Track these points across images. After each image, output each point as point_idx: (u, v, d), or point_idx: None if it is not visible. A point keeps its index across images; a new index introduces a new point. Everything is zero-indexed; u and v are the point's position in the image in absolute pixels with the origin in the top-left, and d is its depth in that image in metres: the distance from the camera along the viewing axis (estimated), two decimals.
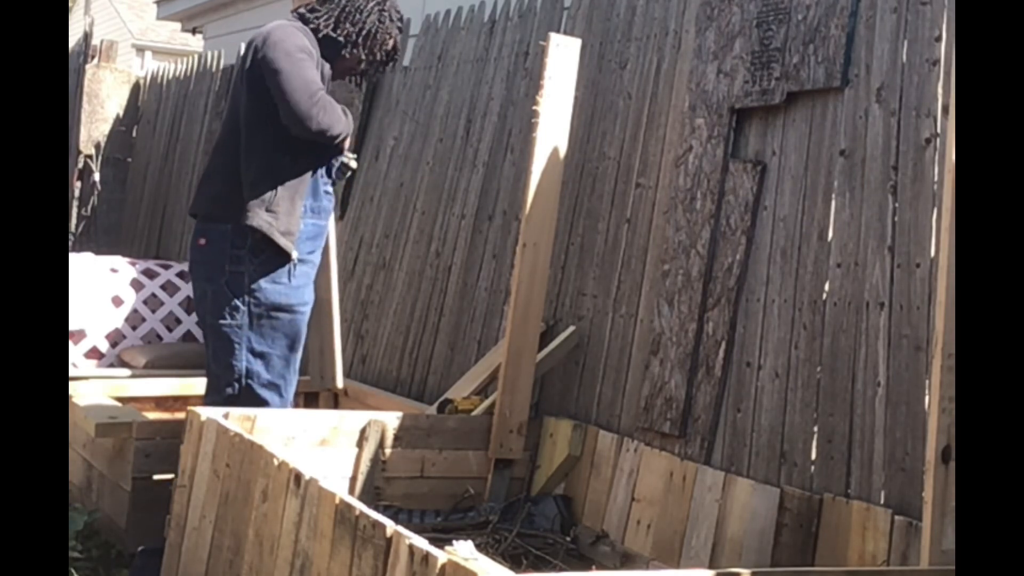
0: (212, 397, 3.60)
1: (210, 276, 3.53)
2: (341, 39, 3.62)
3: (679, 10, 3.89)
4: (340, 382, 4.53)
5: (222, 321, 3.50)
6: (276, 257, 3.48)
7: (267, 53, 3.44)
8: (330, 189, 3.68)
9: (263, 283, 3.48)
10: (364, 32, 3.65)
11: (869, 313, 3.05)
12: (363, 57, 3.69)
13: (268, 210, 3.45)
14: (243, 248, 3.47)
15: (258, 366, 3.50)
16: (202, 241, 3.57)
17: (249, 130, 3.50)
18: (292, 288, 3.52)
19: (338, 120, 3.47)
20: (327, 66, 3.61)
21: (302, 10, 3.68)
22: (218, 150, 3.66)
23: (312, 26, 3.61)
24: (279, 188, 3.47)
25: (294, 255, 3.49)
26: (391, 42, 3.73)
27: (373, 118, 5.50)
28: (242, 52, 3.68)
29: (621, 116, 4.03)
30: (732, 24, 3.61)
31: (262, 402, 3.49)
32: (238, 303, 3.48)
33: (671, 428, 3.50)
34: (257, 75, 3.47)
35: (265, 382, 3.51)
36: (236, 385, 3.50)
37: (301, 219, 3.51)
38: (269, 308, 3.49)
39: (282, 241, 3.46)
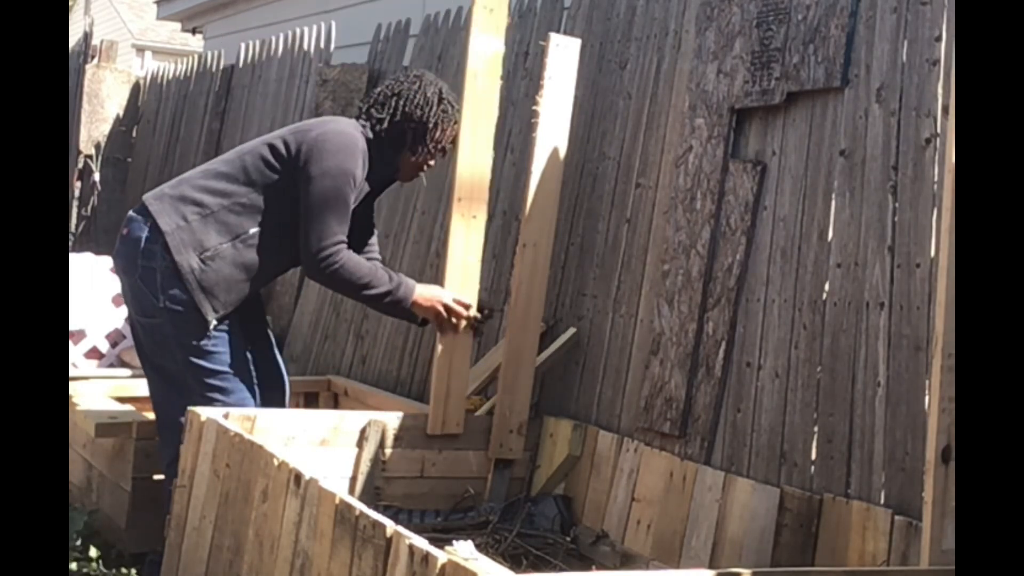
0: (153, 393, 3.53)
1: (126, 269, 3.46)
2: (405, 146, 3.55)
3: (679, 10, 3.89)
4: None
5: (146, 319, 3.42)
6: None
7: (313, 162, 3.35)
8: None
9: (175, 280, 3.34)
10: (428, 127, 3.56)
11: (869, 313, 3.05)
12: (428, 152, 3.60)
13: (202, 259, 3.35)
14: (156, 243, 3.36)
15: (194, 361, 3.38)
16: (124, 230, 3.49)
17: (263, 194, 3.41)
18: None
19: (353, 283, 3.38)
20: (366, 184, 3.51)
21: (362, 117, 3.58)
22: (228, 167, 3.50)
23: (369, 134, 3.50)
24: (232, 256, 3.37)
25: (210, 320, 3.35)
26: (453, 129, 3.63)
27: None
28: (294, 135, 3.49)
29: (621, 116, 4.03)
30: (732, 24, 3.61)
31: (205, 400, 3.35)
32: (153, 300, 3.37)
33: (671, 428, 3.50)
34: (298, 161, 3.38)
35: (210, 372, 3.39)
36: (178, 379, 3.40)
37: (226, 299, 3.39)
38: (186, 305, 3.35)
39: (198, 296, 3.33)
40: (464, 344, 3.66)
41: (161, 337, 3.41)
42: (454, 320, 3.57)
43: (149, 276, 3.37)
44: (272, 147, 3.45)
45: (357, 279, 3.40)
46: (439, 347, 3.62)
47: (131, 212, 3.52)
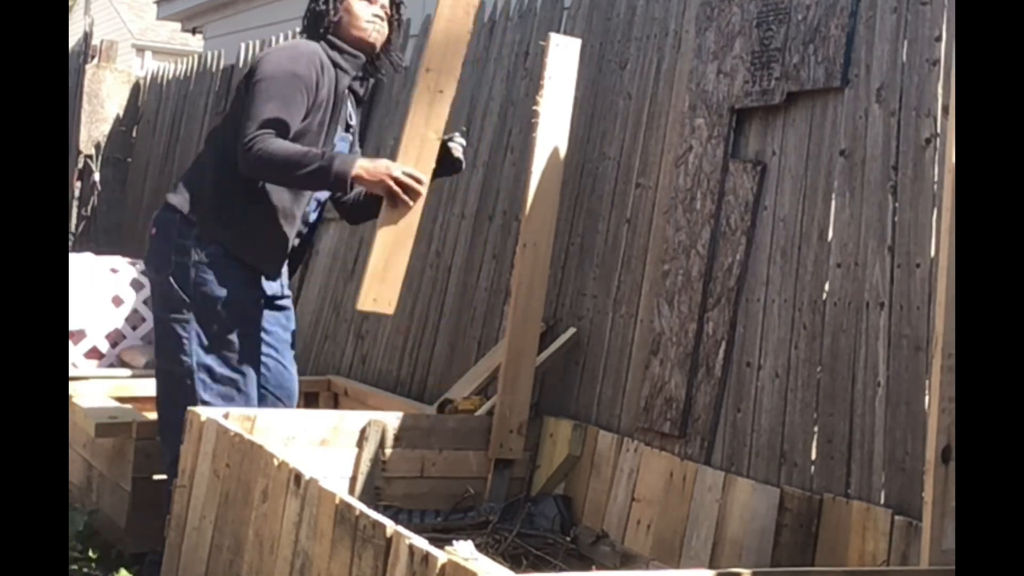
0: (161, 393, 3.51)
1: (158, 267, 3.46)
2: (329, 17, 3.44)
3: (679, 10, 3.89)
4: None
5: (172, 315, 3.40)
6: (224, 252, 3.38)
7: (252, 78, 3.34)
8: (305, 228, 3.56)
9: (208, 275, 3.36)
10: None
11: (869, 313, 3.05)
12: (351, 6, 3.46)
13: (235, 227, 3.38)
14: (189, 237, 3.37)
15: (210, 360, 3.38)
16: (153, 230, 3.49)
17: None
18: (239, 285, 3.41)
19: (279, 161, 3.23)
20: (345, 77, 3.46)
21: (305, 33, 3.55)
22: (207, 140, 3.58)
23: (319, 32, 3.46)
24: (251, 211, 3.39)
25: (269, 272, 3.39)
26: None
27: (373, 118, 5.50)
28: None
29: (621, 116, 4.03)
30: (732, 24, 3.61)
31: (216, 398, 3.37)
32: (184, 296, 3.37)
33: (671, 428, 3.50)
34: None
35: (219, 377, 3.39)
36: (188, 381, 3.37)
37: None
38: (217, 301, 3.36)
39: (248, 257, 3.38)
40: (411, 221, 3.33)
41: (180, 337, 3.39)
42: (405, 195, 3.27)
43: (182, 272, 3.38)
44: (236, 97, 3.46)
45: (284, 160, 3.22)
46: (382, 216, 3.30)
47: (156, 212, 3.54)
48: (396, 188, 3.24)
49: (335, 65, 3.45)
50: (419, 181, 3.29)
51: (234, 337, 3.41)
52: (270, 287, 3.53)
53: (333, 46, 3.47)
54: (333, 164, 3.22)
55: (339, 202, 3.68)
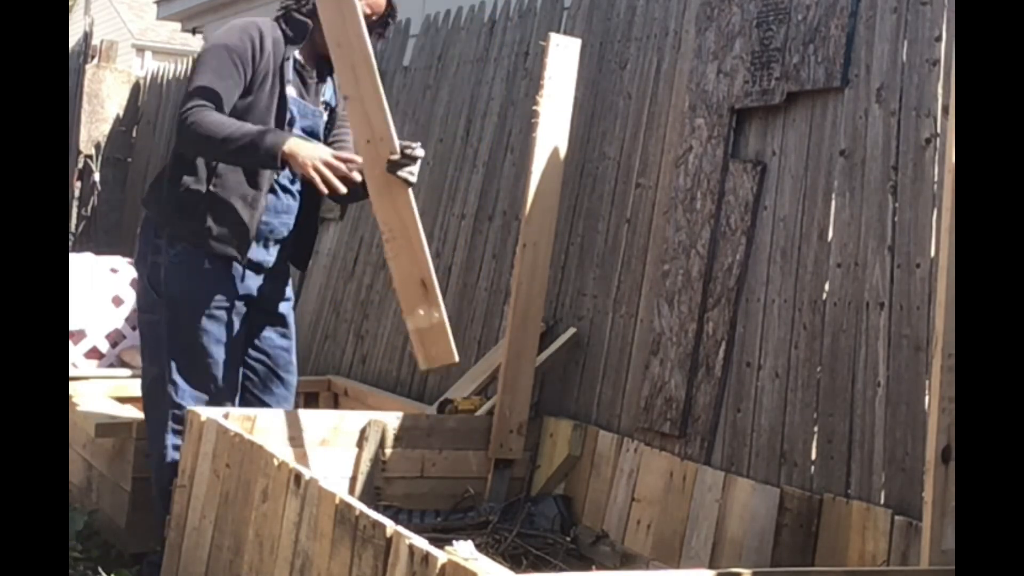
0: (143, 392, 3.50)
1: (138, 266, 3.50)
2: (306, 11, 3.31)
3: (679, 10, 3.89)
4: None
5: (147, 315, 3.41)
6: (193, 250, 3.32)
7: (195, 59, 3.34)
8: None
9: (178, 274, 3.32)
10: None
11: (869, 313, 3.05)
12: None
13: (196, 217, 3.30)
14: (161, 237, 3.36)
15: (182, 361, 3.32)
16: (139, 230, 3.53)
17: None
18: (207, 284, 3.33)
19: (212, 141, 3.14)
20: (294, 51, 3.33)
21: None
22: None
23: (279, 13, 3.37)
24: (196, 197, 3.31)
25: (241, 257, 3.30)
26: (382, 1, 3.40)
27: None
28: None
29: (621, 116, 4.03)
30: (732, 24, 3.61)
31: (188, 399, 3.32)
32: (156, 295, 3.36)
33: (671, 428, 3.50)
34: None
35: (190, 377, 3.33)
36: (161, 381, 3.34)
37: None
38: (186, 301, 3.32)
39: (218, 248, 3.30)
40: (420, 261, 3.20)
41: (154, 337, 3.39)
42: (334, 177, 3.15)
43: (155, 272, 3.38)
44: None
45: (215, 132, 3.13)
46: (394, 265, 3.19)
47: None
48: (326, 171, 3.12)
49: (285, 37, 3.33)
50: (349, 161, 3.16)
51: (206, 338, 3.33)
52: (257, 285, 3.44)
53: (288, 20, 3.36)
54: (264, 139, 3.12)
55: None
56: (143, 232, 3.47)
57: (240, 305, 3.41)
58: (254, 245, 3.38)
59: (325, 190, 3.16)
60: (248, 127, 3.18)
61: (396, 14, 3.48)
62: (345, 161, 3.17)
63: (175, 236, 3.34)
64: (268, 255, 3.47)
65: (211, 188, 3.31)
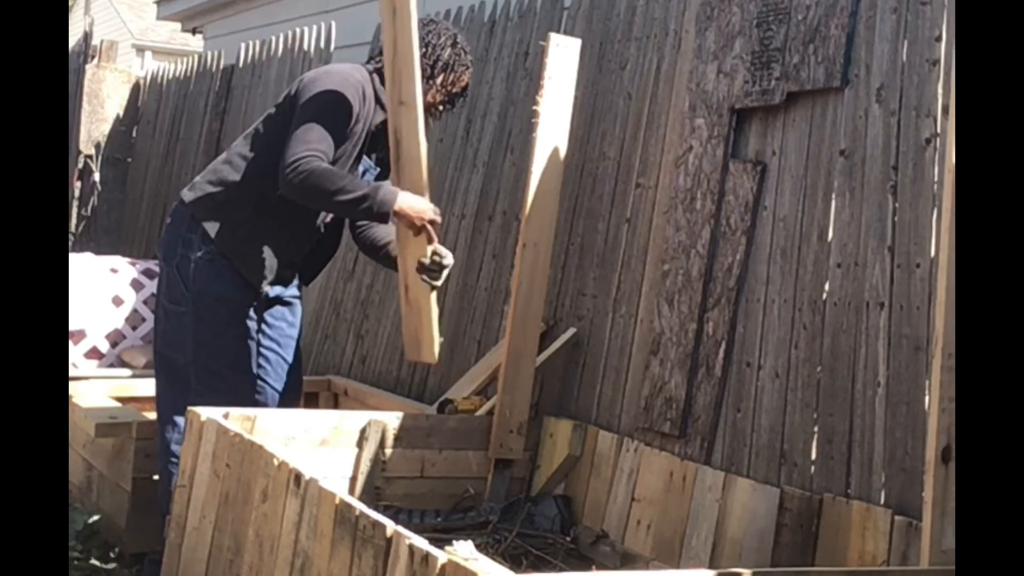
0: (158, 378, 3.57)
1: (166, 256, 3.53)
2: (427, 82, 3.44)
3: (679, 10, 3.89)
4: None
5: (172, 305, 3.48)
6: (220, 256, 3.41)
7: (301, 97, 3.34)
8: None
9: (206, 272, 3.40)
10: (439, 64, 3.50)
11: (869, 313, 3.05)
12: (439, 90, 3.52)
13: (235, 233, 3.39)
14: (194, 233, 3.43)
15: (204, 355, 3.44)
16: (169, 220, 3.57)
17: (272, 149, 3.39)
18: (231, 287, 3.43)
19: (324, 189, 3.23)
20: (381, 114, 3.43)
21: (372, 59, 3.55)
22: (246, 139, 3.53)
23: (378, 67, 3.45)
24: (262, 223, 3.39)
25: (261, 286, 3.38)
26: (465, 77, 3.59)
27: None
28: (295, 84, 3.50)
29: (621, 116, 4.03)
30: (732, 24, 3.61)
31: (208, 392, 3.39)
32: (184, 288, 3.44)
33: (671, 428, 3.50)
34: (295, 106, 3.38)
35: (211, 372, 3.44)
36: (184, 371, 3.48)
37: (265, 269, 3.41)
38: (211, 298, 3.41)
39: (244, 270, 3.38)
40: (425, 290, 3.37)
41: (180, 327, 3.48)
42: (434, 233, 3.35)
43: (184, 265, 3.44)
44: (277, 104, 3.50)
45: (329, 185, 3.22)
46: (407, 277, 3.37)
47: (175, 204, 3.57)
48: (431, 229, 3.32)
49: (377, 99, 3.46)
50: (438, 226, 3.38)
51: (228, 335, 3.45)
52: (273, 289, 3.53)
53: (383, 78, 3.44)
54: (377, 195, 3.25)
55: (357, 232, 3.68)
56: (175, 223, 3.51)
57: (261, 304, 3.51)
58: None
59: (431, 244, 3.33)
60: (359, 182, 3.31)
61: (465, 97, 3.68)
62: (434, 225, 3.35)
63: (207, 237, 3.41)
64: (287, 284, 3.58)
65: (263, 219, 3.41)
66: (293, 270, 3.58)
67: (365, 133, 3.44)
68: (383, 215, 3.28)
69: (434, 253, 3.32)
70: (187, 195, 3.51)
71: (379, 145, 3.52)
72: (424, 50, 3.44)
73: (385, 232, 3.59)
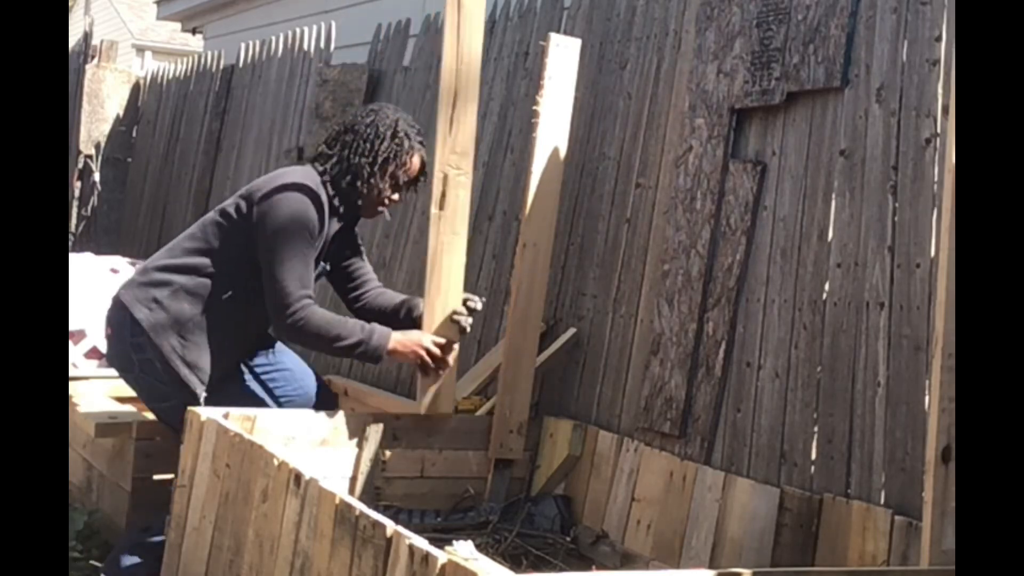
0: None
1: (124, 367, 3.47)
2: (358, 182, 3.42)
3: (679, 10, 3.89)
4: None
5: (162, 404, 3.42)
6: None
7: (266, 224, 3.29)
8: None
9: (174, 364, 3.32)
10: (379, 161, 3.43)
11: (869, 313, 3.05)
12: (385, 187, 3.46)
13: (181, 336, 3.33)
14: (140, 336, 3.34)
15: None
16: (108, 331, 3.47)
17: (221, 250, 3.37)
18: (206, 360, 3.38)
19: (321, 336, 3.31)
20: (336, 222, 3.44)
21: (316, 159, 3.50)
22: (176, 240, 3.49)
23: (325, 178, 3.42)
24: (208, 325, 3.35)
25: (199, 393, 3.32)
26: (415, 161, 3.50)
27: None
28: (245, 191, 3.45)
29: (621, 116, 4.03)
30: (732, 24, 3.61)
31: None
32: (162, 386, 3.37)
33: (671, 428, 3.50)
34: (251, 223, 3.33)
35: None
36: None
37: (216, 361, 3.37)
38: (176, 386, 3.33)
39: (183, 372, 3.32)
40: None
41: (177, 421, 3.33)
42: (433, 364, 3.47)
43: (149, 367, 3.37)
44: (225, 212, 3.41)
45: (325, 332, 3.32)
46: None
47: (108, 310, 3.48)
48: (427, 359, 3.44)
49: (331, 208, 3.42)
50: (445, 347, 3.48)
51: (232, 391, 3.43)
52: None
53: (336, 189, 3.42)
54: (371, 340, 3.35)
55: (359, 308, 3.67)
56: (116, 333, 3.42)
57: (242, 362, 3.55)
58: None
59: (434, 375, 3.51)
60: (350, 326, 3.37)
61: (424, 177, 3.62)
62: (442, 347, 3.47)
63: (156, 339, 3.33)
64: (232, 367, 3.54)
65: (217, 323, 3.37)
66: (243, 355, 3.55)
67: (323, 243, 3.42)
68: (378, 358, 3.41)
69: (467, 300, 3.53)
70: (127, 298, 3.40)
71: (332, 250, 3.52)
72: (363, 148, 3.42)
73: (390, 298, 3.64)
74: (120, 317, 3.41)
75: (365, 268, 3.69)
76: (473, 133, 3.61)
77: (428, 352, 3.44)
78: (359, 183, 3.43)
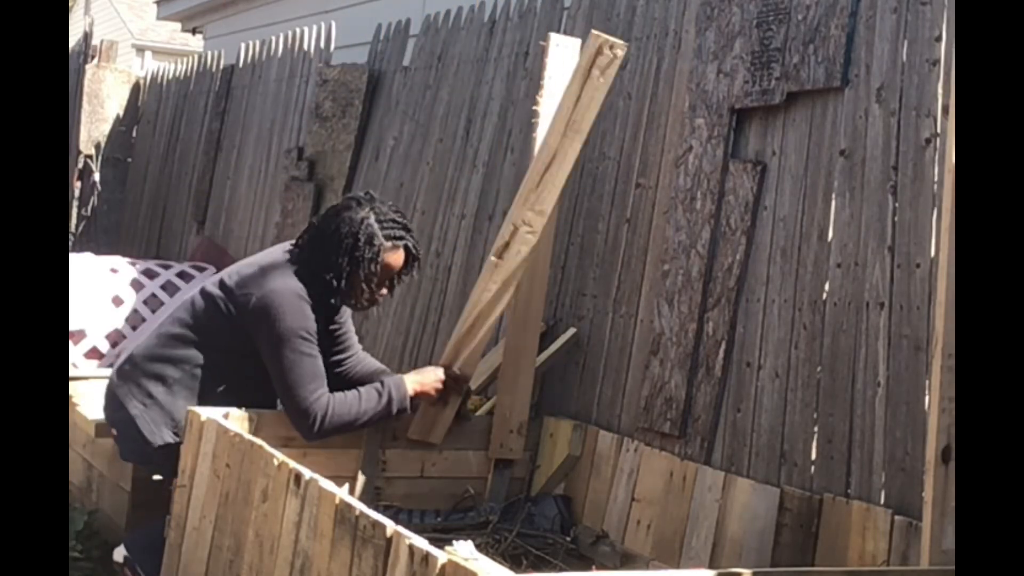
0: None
1: (141, 459, 3.45)
2: (341, 283, 3.32)
3: (679, 10, 3.89)
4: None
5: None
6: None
7: (263, 331, 3.25)
8: None
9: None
10: (357, 266, 3.30)
11: (869, 313, 3.05)
12: (373, 285, 3.34)
13: (175, 433, 3.30)
14: (146, 428, 3.33)
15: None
16: (113, 432, 3.45)
17: (215, 347, 3.35)
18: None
19: (349, 422, 3.31)
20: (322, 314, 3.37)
21: (292, 258, 3.37)
22: (165, 327, 3.45)
23: (306, 282, 3.30)
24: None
25: None
26: (398, 256, 3.36)
27: (373, 118, 5.50)
28: (226, 280, 3.37)
29: (621, 116, 4.03)
30: (732, 24, 3.61)
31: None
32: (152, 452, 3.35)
33: (671, 428, 3.50)
34: (243, 322, 3.29)
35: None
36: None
37: None
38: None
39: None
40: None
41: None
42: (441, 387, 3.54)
43: (167, 450, 3.32)
44: (212, 302, 3.36)
45: (351, 419, 3.32)
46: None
47: (105, 406, 3.47)
48: (442, 387, 3.53)
49: (316, 305, 3.33)
50: (458, 377, 3.56)
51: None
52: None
53: (313, 287, 3.32)
54: (393, 398, 3.38)
55: (343, 375, 3.58)
56: (122, 432, 3.40)
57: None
58: None
59: (458, 390, 3.60)
60: (365, 395, 3.36)
61: (417, 262, 3.50)
62: (455, 379, 3.56)
63: (161, 427, 3.33)
64: None
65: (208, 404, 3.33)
66: None
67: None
68: (405, 409, 3.43)
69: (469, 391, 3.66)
70: (121, 391, 3.38)
71: (320, 328, 3.44)
72: (338, 252, 3.31)
73: (368, 368, 3.61)
74: (120, 416, 3.39)
75: (350, 332, 3.61)
76: (558, 196, 3.59)
77: (443, 383, 3.53)
78: (341, 283, 3.33)
